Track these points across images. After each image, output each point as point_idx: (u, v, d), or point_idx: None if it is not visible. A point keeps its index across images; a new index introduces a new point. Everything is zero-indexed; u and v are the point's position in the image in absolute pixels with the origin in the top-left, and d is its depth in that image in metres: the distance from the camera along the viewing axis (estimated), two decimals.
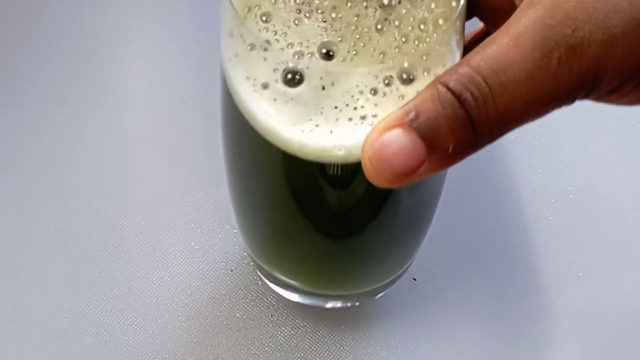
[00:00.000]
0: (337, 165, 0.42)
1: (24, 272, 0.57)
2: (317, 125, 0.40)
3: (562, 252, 0.57)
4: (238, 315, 0.55)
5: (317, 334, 0.55)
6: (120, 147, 0.60)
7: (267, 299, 0.56)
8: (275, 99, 0.41)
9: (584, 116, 0.60)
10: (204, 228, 0.58)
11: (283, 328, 0.55)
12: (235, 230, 0.57)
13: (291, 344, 0.55)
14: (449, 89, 0.36)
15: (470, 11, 0.43)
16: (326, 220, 0.47)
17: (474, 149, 0.37)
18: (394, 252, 0.51)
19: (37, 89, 0.62)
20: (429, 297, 0.56)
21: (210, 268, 0.56)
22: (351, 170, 0.42)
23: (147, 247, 0.57)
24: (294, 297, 0.54)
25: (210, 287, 0.56)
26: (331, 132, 0.40)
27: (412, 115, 0.36)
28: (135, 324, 0.55)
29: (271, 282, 0.55)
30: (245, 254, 0.57)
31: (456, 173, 0.57)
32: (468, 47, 0.45)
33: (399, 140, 0.36)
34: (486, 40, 0.37)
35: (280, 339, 0.55)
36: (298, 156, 0.41)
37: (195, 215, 0.58)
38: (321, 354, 0.54)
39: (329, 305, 0.54)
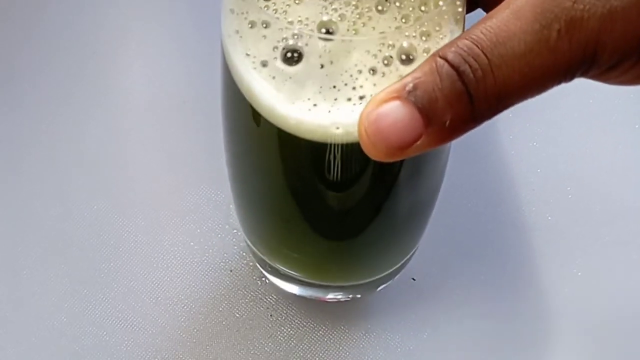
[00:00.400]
0: (336, 145, 0.42)
1: (24, 272, 0.57)
2: (315, 105, 0.40)
3: (561, 252, 0.57)
4: (237, 315, 0.55)
5: (317, 334, 0.55)
6: (120, 147, 0.60)
7: (266, 298, 0.56)
8: (274, 77, 0.40)
9: (583, 116, 0.61)
10: (203, 228, 0.58)
11: (282, 328, 0.55)
12: (234, 231, 0.57)
13: (291, 343, 0.55)
14: (447, 61, 0.35)
15: (473, 2, 0.43)
16: (324, 202, 0.47)
17: (471, 124, 0.36)
18: (395, 240, 0.51)
19: (37, 89, 0.62)
20: (428, 296, 0.56)
21: (210, 268, 0.56)
22: (350, 150, 0.42)
23: (146, 247, 0.57)
24: (294, 289, 0.54)
25: (209, 287, 0.56)
26: (329, 111, 0.40)
27: (409, 87, 0.35)
28: (134, 324, 0.55)
29: (271, 274, 0.54)
30: (244, 254, 0.57)
31: (455, 173, 0.57)
32: None
33: (395, 112, 0.35)
34: (486, 15, 0.36)
35: (280, 338, 0.55)
36: (295, 134, 0.41)
37: (195, 215, 0.58)
38: (321, 354, 0.54)
39: (330, 296, 0.54)
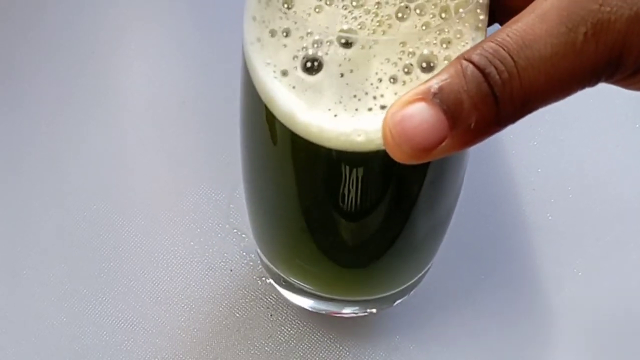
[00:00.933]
0: (357, 153, 0.41)
1: (24, 272, 0.57)
2: (335, 115, 0.40)
3: (561, 251, 0.57)
4: (238, 315, 0.55)
5: (317, 334, 0.55)
6: (119, 147, 0.60)
7: (266, 298, 0.56)
8: (294, 87, 0.40)
9: (584, 116, 0.61)
10: (203, 228, 0.58)
11: (282, 328, 0.55)
12: (235, 230, 0.57)
13: (291, 343, 0.55)
14: (472, 63, 0.35)
15: (492, 17, 0.43)
16: (343, 212, 0.46)
17: (496, 127, 0.36)
18: (413, 251, 0.50)
19: (37, 89, 0.62)
20: (428, 296, 0.56)
21: (210, 268, 0.56)
22: (370, 159, 0.42)
23: (146, 247, 0.57)
24: (309, 303, 0.53)
25: (209, 287, 0.56)
26: (350, 120, 0.40)
27: (435, 89, 0.35)
28: (135, 324, 0.55)
29: (286, 289, 0.54)
30: (244, 253, 0.57)
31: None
32: None
33: (421, 113, 0.35)
34: (511, 20, 0.36)
35: (280, 338, 0.55)
36: (317, 142, 0.41)
37: (195, 215, 0.58)
38: (321, 354, 0.54)
39: (345, 310, 0.53)
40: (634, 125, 0.61)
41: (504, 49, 0.35)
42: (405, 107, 0.35)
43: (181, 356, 0.54)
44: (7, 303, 0.56)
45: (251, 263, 0.56)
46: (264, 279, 0.56)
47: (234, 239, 0.57)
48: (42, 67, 0.62)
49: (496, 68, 0.35)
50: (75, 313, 0.55)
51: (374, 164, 0.43)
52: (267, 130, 0.44)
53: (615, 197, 0.58)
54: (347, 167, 0.43)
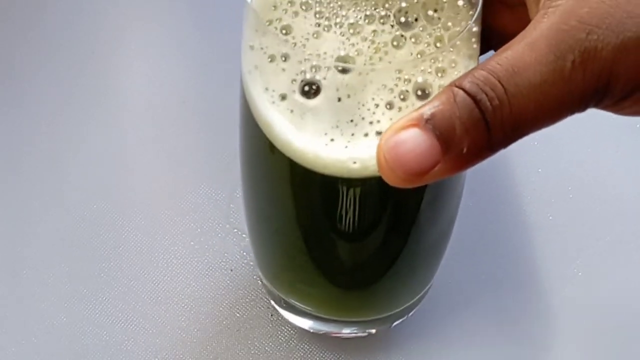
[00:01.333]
0: (352, 180, 0.42)
1: (24, 272, 0.57)
2: (332, 140, 0.41)
3: (562, 252, 0.57)
4: (238, 315, 0.55)
5: (317, 335, 0.55)
6: (119, 147, 0.60)
7: (267, 298, 0.56)
8: (292, 111, 0.41)
9: (584, 116, 0.60)
10: (204, 228, 0.58)
11: (283, 328, 0.55)
12: (235, 230, 0.57)
13: (291, 344, 0.55)
14: (464, 90, 0.36)
15: (487, 44, 0.44)
16: (340, 237, 0.47)
17: (488, 152, 0.37)
18: (412, 273, 0.51)
19: (37, 89, 0.62)
20: (428, 296, 0.56)
21: (210, 268, 0.56)
22: (366, 185, 0.43)
23: (147, 247, 0.57)
24: (308, 324, 0.54)
25: (210, 286, 0.56)
26: (346, 146, 0.41)
27: (427, 115, 0.36)
28: (135, 324, 0.55)
29: (286, 310, 0.54)
30: (245, 253, 0.57)
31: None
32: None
33: (414, 139, 0.36)
34: (501, 48, 0.37)
35: (281, 338, 0.55)
36: (312, 169, 0.42)
37: (195, 215, 0.58)
38: (321, 354, 0.54)
39: (345, 331, 0.54)
40: (635, 126, 0.61)
41: (494, 77, 0.36)
42: (399, 133, 0.36)
43: (181, 356, 0.54)
44: (7, 303, 0.56)
45: (251, 263, 0.56)
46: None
47: (234, 239, 0.57)
48: (42, 67, 0.62)
49: (487, 95, 0.36)
50: (76, 313, 0.55)
51: (369, 189, 0.43)
52: (265, 158, 0.45)
53: (615, 197, 0.58)
54: (344, 193, 0.44)
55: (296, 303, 0.53)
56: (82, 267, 0.57)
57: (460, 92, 0.36)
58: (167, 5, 0.65)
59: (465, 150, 0.36)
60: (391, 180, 0.36)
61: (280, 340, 0.55)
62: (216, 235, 0.57)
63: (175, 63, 0.63)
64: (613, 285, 0.56)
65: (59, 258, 0.57)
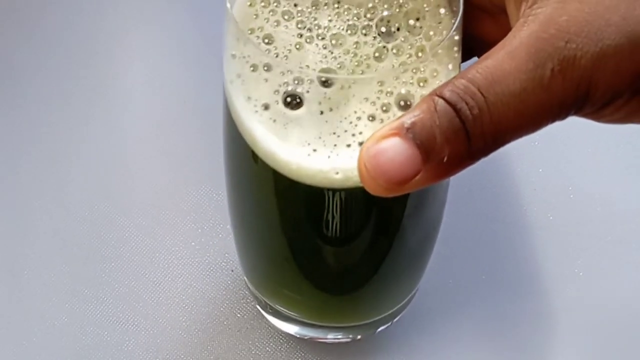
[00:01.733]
0: (335, 190, 0.43)
1: (24, 272, 0.56)
2: (314, 150, 0.41)
3: (562, 252, 0.57)
4: (239, 315, 0.55)
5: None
6: (120, 147, 0.60)
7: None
8: (275, 120, 0.41)
9: None
10: (204, 228, 0.58)
11: None
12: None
13: (291, 344, 0.55)
14: (444, 99, 0.36)
15: (469, 52, 0.44)
16: (323, 246, 0.48)
17: (468, 161, 0.37)
18: (396, 279, 0.51)
19: (37, 89, 0.62)
20: (428, 296, 0.56)
21: (211, 268, 0.56)
22: (348, 196, 0.43)
23: (147, 247, 0.57)
24: (294, 329, 0.54)
25: (210, 287, 0.56)
26: (329, 157, 0.41)
27: (408, 124, 0.36)
28: (135, 324, 0.55)
29: (272, 315, 0.54)
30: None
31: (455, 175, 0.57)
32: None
33: (395, 148, 0.36)
34: (482, 57, 0.37)
35: (281, 339, 0.55)
36: (295, 179, 0.42)
37: (195, 215, 0.58)
38: (321, 355, 0.54)
39: (330, 336, 0.54)
40: (635, 125, 0.61)
41: (474, 85, 0.36)
42: (380, 142, 0.36)
43: (182, 356, 0.54)
44: (7, 303, 0.56)
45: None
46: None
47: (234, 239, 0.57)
48: (42, 67, 0.62)
49: (467, 104, 0.36)
50: (76, 313, 0.55)
51: (352, 199, 0.43)
52: (249, 167, 0.45)
53: (616, 197, 0.58)
54: (326, 203, 0.44)
55: (281, 309, 0.53)
56: (82, 267, 0.57)
57: (441, 101, 0.36)
58: (167, 5, 0.65)
59: (445, 159, 0.37)
60: (372, 189, 0.37)
61: (281, 341, 0.55)
62: (217, 236, 0.57)
63: (175, 63, 0.63)
64: (614, 285, 0.56)
65: (59, 258, 0.57)
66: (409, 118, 0.36)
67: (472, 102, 0.36)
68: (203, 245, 0.57)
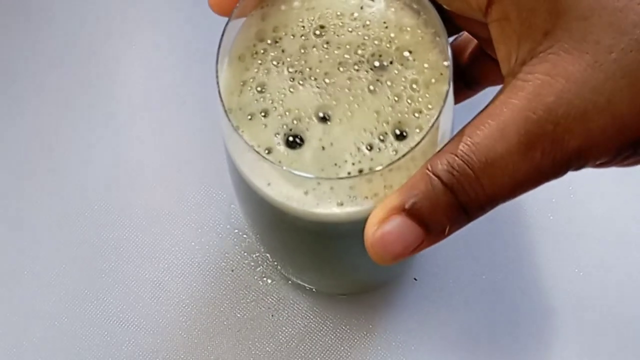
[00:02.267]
0: (339, 224, 0.44)
1: (24, 272, 0.56)
2: (319, 184, 0.42)
3: (562, 251, 0.57)
4: (239, 315, 0.55)
5: (318, 335, 0.55)
6: (120, 147, 0.60)
7: (268, 299, 0.56)
8: (279, 162, 0.43)
9: None
10: (204, 228, 0.58)
11: (284, 328, 0.55)
12: (236, 230, 0.57)
13: (292, 344, 0.55)
14: (440, 180, 0.39)
15: (455, 28, 0.46)
16: (330, 270, 0.51)
17: (467, 223, 0.40)
18: None
19: (37, 90, 0.62)
20: (429, 296, 0.56)
21: (211, 268, 0.56)
22: (351, 228, 0.44)
23: (147, 247, 0.57)
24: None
25: (210, 287, 0.56)
26: (332, 188, 0.42)
27: (408, 205, 0.39)
28: (135, 324, 0.55)
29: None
30: (245, 253, 0.57)
31: None
32: (467, 66, 0.48)
33: (398, 228, 0.39)
34: (472, 123, 0.39)
35: (281, 339, 0.55)
36: (302, 217, 0.44)
37: (196, 215, 0.58)
38: (322, 354, 0.54)
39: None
40: None
41: (469, 167, 0.39)
42: (383, 224, 0.39)
43: (182, 357, 0.54)
44: (7, 303, 0.56)
45: (252, 263, 0.56)
46: (265, 279, 0.56)
47: (235, 239, 0.57)
48: (42, 68, 0.62)
49: (463, 186, 0.39)
50: (76, 313, 0.55)
51: (354, 229, 0.45)
52: (259, 208, 0.46)
53: (616, 196, 0.58)
54: (331, 235, 0.46)
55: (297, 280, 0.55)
56: (82, 267, 0.57)
57: (437, 180, 0.39)
58: (167, 5, 0.65)
59: (447, 230, 0.40)
60: (380, 262, 0.40)
61: (281, 341, 0.55)
62: (217, 236, 0.57)
63: (176, 63, 0.63)
64: (614, 284, 0.56)
65: (59, 258, 0.57)
66: (407, 197, 0.39)
67: (468, 185, 0.39)
68: (203, 245, 0.57)
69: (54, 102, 0.61)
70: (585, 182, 0.59)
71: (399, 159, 0.41)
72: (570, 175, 0.59)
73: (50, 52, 0.63)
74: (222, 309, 0.55)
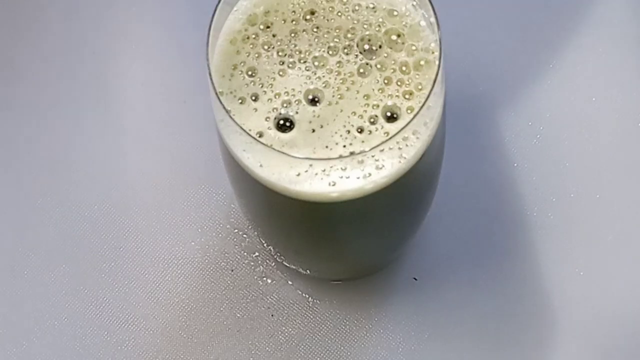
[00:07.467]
0: (331, 204, 0.44)
1: (24, 272, 0.56)
2: (310, 165, 0.43)
3: (563, 251, 0.57)
4: (239, 315, 0.55)
5: (318, 334, 0.55)
6: (120, 147, 0.60)
7: (267, 299, 0.56)
8: (271, 145, 0.43)
9: (584, 115, 0.60)
10: (204, 228, 0.58)
11: (284, 328, 0.55)
12: (235, 230, 0.57)
13: (292, 344, 0.55)
14: None
15: None
16: (324, 252, 0.50)
17: None
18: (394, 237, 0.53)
19: (37, 89, 0.62)
20: (429, 296, 0.56)
21: (211, 268, 0.56)
22: (344, 206, 0.45)
23: (147, 247, 0.57)
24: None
25: (210, 287, 0.56)
26: (324, 170, 0.43)
27: None
28: (135, 324, 0.55)
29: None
30: (245, 253, 0.57)
31: (458, 172, 0.57)
32: None
33: None
34: None
35: (281, 339, 0.55)
36: (296, 198, 0.44)
37: (196, 215, 0.58)
38: (322, 354, 0.54)
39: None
40: (636, 125, 0.61)
41: None
42: None
43: (182, 356, 0.54)
44: (7, 303, 0.56)
45: (252, 263, 0.56)
46: (265, 279, 0.56)
47: (235, 239, 0.57)
48: (42, 67, 0.62)
49: None
50: (76, 313, 0.55)
51: (347, 209, 0.46)
52: (252, 192, 0.47)
53: (616, 196, 0.58)
54: (324, 215, 0.46)
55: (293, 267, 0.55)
56: (82, 267, 0.57)
57: None
58: (166, 5, 0.65)
59: None
60: None
61: (281, 341, 0.55)
62: (217, 236, 0.57)
63: (176, 63, 0.63)
64: (614, 285, 0.56)
65: (59, 258, 0.57)
66: None
67: None
68: (203, 245, 0.57)
69: (53, 101, 0.61)
70: (585, 182, 0.59)
71: (389, 138, 0.41)
72: (570, 175, 0.59)
73: (50, 52, 0.63)
74: (222, 309, 0.55)
